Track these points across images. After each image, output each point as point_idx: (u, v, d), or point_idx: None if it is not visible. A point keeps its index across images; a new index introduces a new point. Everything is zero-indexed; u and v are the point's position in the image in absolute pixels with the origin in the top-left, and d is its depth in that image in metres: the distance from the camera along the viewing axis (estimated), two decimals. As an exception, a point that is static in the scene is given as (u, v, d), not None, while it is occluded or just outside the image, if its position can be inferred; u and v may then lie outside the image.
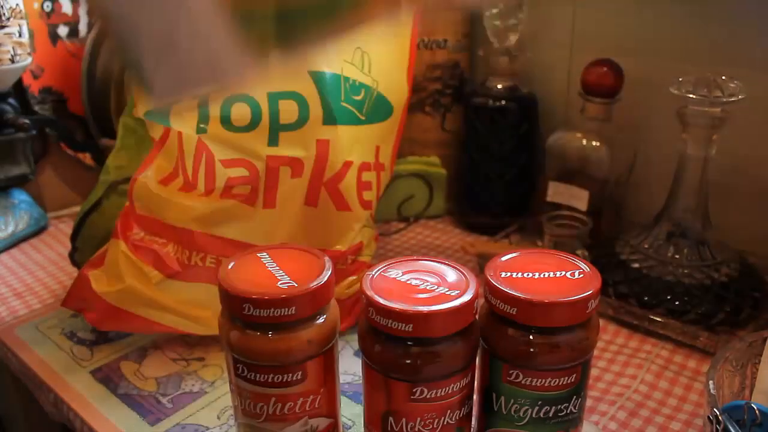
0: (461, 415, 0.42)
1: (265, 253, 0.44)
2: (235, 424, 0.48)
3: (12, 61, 0.78)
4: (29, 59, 0.81)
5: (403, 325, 0.38)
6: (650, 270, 0.64)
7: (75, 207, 0.94)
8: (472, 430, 0.45)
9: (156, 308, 0.55)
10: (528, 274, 0.41)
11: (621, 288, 0.65)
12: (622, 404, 0.53)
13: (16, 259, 0.81)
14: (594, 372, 0.58)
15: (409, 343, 0.39)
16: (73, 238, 0.68)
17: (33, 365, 0.60)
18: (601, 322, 0.64)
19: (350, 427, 0.51)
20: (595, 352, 0.60)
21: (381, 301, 0.39)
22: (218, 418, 0.53)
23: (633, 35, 0.76)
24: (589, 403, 0.54)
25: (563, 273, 0.41)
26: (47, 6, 0.88)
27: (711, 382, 0.43)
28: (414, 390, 0.40)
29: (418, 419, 0.41)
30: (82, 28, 0.93)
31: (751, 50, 0.68)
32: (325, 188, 0.58)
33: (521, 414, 0.42)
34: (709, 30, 0.71)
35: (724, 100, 0.58)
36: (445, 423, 0.41)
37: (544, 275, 0.41)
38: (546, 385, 0.41)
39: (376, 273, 0.42)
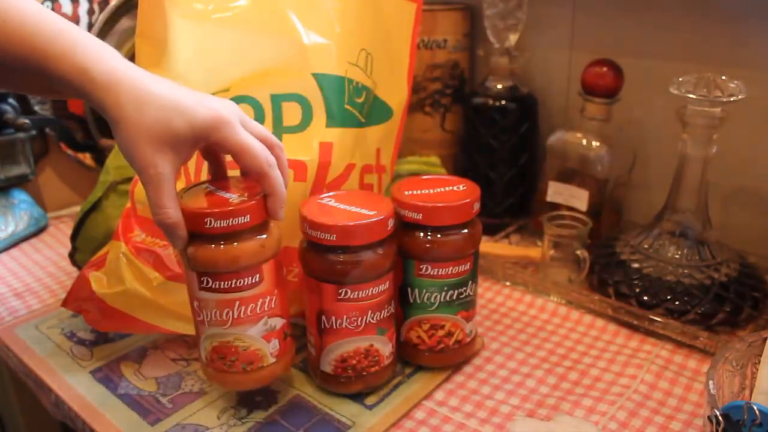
0: (382, 316, 0.52)
1: (207, 185, 0.49)
2: (199, 348, 0.51)
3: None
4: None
5: (329, 235, 0.48)
6: (650, 270, 0.64)
7: (75, 207, 0.94)
8: (393, 329, 0.55)
9: (156, 310, 0.56)
10: (425, 191, 0.55)
11: (621, 288, 0.65)
12: (622, 404, 0.53)
13: (16, 259, 0.81)
14: (594, 372, 0.58)
15: (337, 251, 0.49)
16: (73, 238, 0.68)
17: (33, 365, 0.60)
18: (601, 322, 0.65)
19: (350, 427, 0.52)
20: (595, 352, 0.60)
21: (313, 218, 0.49)
22: (218, 418, 0.53)
23: (633, 35, 0.76)
24: (589, 403, 0.54)
25: (451, 188, 0.55)
26: (47, 6, 0.88)
27: (711, 382, 0.43)
28: (340, 291, 0.50)
29: (345, 317, 0.51)
30: (82, 28, 0.92)
31: (751, 50, 0.69)
32: (327, 191, 0.58)
33: (432, 300, 0.55)
34: (709, 30, 0.71)
35: (724, 100, 0.58)
36: (367, 322, 0.52)
37: (437, 190, 0.55)
38: (448, 273, 0.54)
39: (313, 200, 0.52)
